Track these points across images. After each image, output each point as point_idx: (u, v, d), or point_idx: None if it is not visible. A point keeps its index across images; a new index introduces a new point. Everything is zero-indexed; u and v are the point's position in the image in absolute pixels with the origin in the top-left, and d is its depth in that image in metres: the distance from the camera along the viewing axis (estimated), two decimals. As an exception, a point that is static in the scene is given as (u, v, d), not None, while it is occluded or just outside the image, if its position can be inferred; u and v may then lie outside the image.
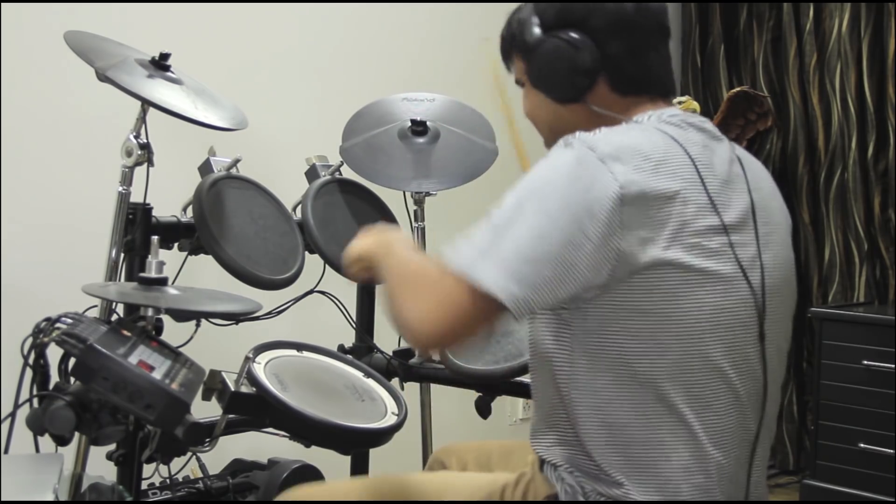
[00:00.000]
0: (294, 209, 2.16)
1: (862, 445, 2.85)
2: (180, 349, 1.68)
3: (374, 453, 2.23)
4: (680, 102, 3.05)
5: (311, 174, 2.26)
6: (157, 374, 1.48)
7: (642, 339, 1.21)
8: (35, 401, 1.56)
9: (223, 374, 1.68)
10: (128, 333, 1.57)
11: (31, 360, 1.57)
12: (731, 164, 1.32)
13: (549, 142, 1.37)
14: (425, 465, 1.81)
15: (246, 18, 2.69)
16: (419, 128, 2.30)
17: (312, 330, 2.21)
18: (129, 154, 1.88)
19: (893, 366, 2.79)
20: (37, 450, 1.57)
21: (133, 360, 1.47)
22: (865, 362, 2.85)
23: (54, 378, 1.59)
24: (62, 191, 2.37)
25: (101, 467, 1.78)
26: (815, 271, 3.53)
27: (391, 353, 2.25)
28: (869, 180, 3.35)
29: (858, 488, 2.86)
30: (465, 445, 1.70)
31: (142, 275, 1.69)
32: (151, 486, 1.86)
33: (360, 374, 1.96)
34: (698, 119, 1.35)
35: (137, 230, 1.92)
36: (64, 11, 2.30)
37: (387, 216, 2.31)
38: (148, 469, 1.80)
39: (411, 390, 2.27)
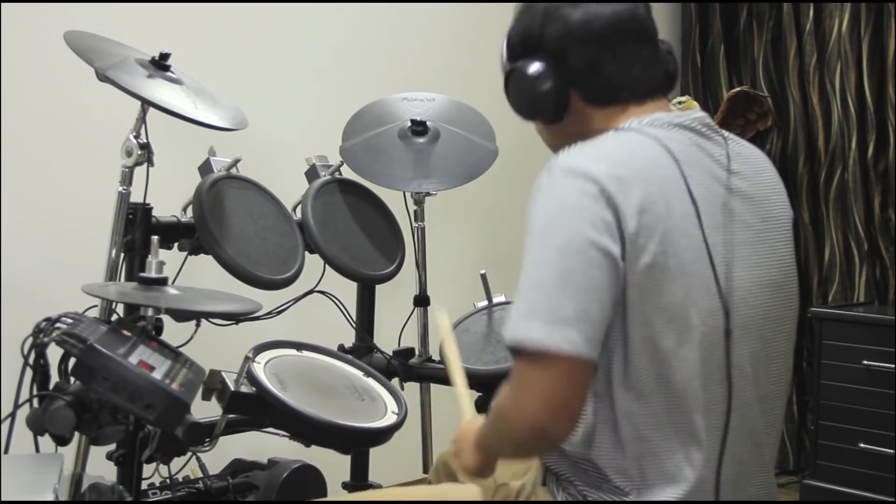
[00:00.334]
0: (294, 209, 2.16)
1: (862, 445, 2.85)
2: (180, 349, 1.68)
3: (374, 453, 2.23)
4: (680, 102, 3.05)
5: (311, 174, 2.26)
6: (157, 374, 1.48)
7: (659, 347, 1.21)
8: (35, 401, 1.56)
9: (223, 374, 1.68)
10: (128, 333, 1.57)
11: (31, 360, 1.57)
12: (723, 161, 1.31)
13: None
14: (429, 469, 1.80)
15: (246, 18, 2.69)
16: (419, 128, 2.30)
17: (312, 330, 2.21)
18: (129, 154, 1.88)
19: (893, 366, 2.79)
20: (37, 450, 1.57)
21: (133, 360, 1.47)
22: (865, 362, 2.85)
23: (54, 378, 1.59)
24: (62, 191, 2.37)
25: (101, 467, 1.78)
26: (815, 271, 3.53)
27: (391, 353, 2.26)
28: (869, 180, 3.35)
29: (858, 488, 2.86)
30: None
31: (142, 275, 1.69)
32: (151, 486, 1.86)
33: (360, 374, 1.96)
34: (688, 118, 1.32)
35: (137, 230, 1.92)
36: (64, 11, 2.30)
37: (387, 216, 2.31)
38: (148, 469, 1.81)
39: (411, 390, 2.27)
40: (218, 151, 2.09)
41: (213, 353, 1.83)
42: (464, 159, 2.31)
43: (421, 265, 2.38)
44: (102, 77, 1.82)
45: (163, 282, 1.68)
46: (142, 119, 1.88)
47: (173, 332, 1.73)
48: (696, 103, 3.05)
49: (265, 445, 1.99)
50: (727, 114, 3.28)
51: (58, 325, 1.57)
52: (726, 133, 1.37)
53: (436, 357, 2.31)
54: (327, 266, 2.13)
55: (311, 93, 2.86)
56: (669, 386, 1.22)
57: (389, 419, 1.79)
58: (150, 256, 1.69)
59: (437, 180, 2.28)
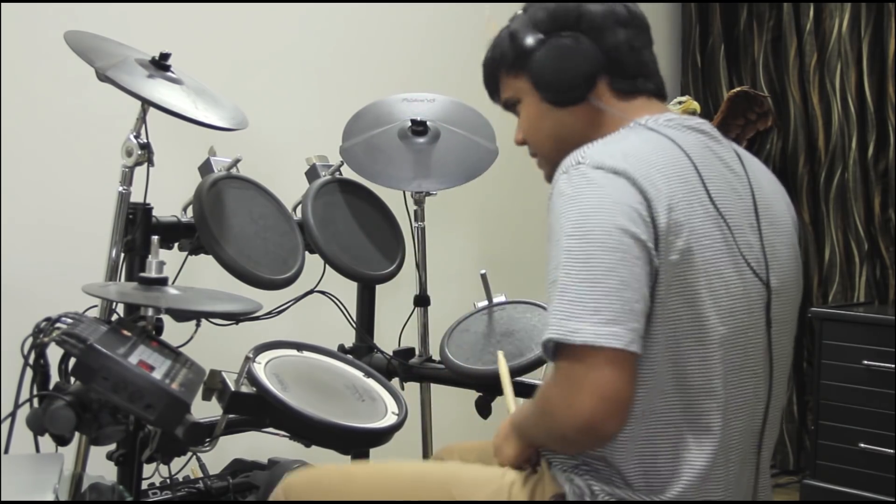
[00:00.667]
0: (294, 209, 2.16)
1: (862, 445, 2.86)
2: (180, 349, 1.68)
3: (375, 453, 2.23)
4: (680, 102, 3.05)
5: (311, 174, 2.26)
6: (157, 374, 1.48)
7: (680, 345, 1.21)
8: (35, 401, 1.56)
9: (223, 374, 1.68)
10: (128, 333, 1.57)
11: (31, 360, 1.57)
12: (733, 165, 1.33)
13: (553, 158, 1.36)
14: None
15: (246, 18, 2.69)
16: (419, 128, 2.30)
17: (312, 330, 2.21)
18: (129, 154, 1.88)
19: (893, 366, 2.79)
20: (37, 450, 1.57)
21: (133, 360, 1.47)
22: (865, 362, 2.85)
23: (54, 378, 1.59)
24: (62, 191, 2.37)
25: (101, 467, 1.78)
26: (816, 271, 3.53)
27: (391, 353, 2.26)
28: (869, 180, 3.35)
29: (858, 488, 2.86)
30: (466, 445, 1.70)
31: (142, 275, 1.69)
32: (151, 486, 1.86)
33: (360, 374, 1.96)
34: (696, 121, 1.35)
35: (137, 230, 1.92)
36: (64, 11, 2.30)
37: (387, 216, 2.31)
38: (148, 469, 1.80)
39: (411, 390, 2.27)
40: (218, 151, 2.09)
41: (213, 353, 1.83)
42: (464, 159, 2.31)
43: (421, 265, 2.38)
44: (102, 77, 1.81)
45: (163, 282, 1.68)
46: (142, 119, 1.88)
47: (173, 332, 1.73)
48: (696, 103, 3.05)
49: (265, 445, 1.99)
50: (727, 114, 3.28)
51: (58, 325, 1.56)
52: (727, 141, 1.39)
53: (436, 357, 2.31)
54: (327, 266, 2.13)
55: (312, 93, 2.86)
56: (688, 385, 1.22)
57: (390, 420, 1.79)
58: (150, 256, 1.69)
59: (437, 180, 2.28)
